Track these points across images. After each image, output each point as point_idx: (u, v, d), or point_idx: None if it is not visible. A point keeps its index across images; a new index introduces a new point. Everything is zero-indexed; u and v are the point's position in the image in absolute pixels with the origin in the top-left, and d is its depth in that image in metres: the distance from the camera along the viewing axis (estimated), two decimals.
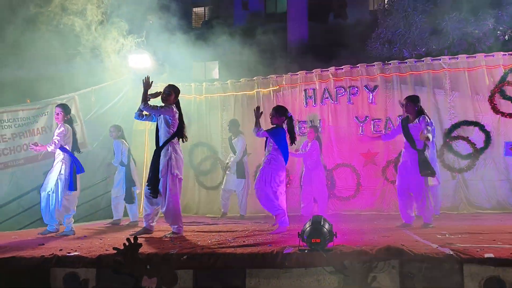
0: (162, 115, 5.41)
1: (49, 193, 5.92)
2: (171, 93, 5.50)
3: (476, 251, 3.58)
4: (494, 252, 3.49)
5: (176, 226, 5.44)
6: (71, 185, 5.95)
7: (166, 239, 5.15)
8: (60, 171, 5.93)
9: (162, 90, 5.54)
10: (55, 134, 6.00)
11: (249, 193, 8.42)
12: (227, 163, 8.44)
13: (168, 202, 5.36)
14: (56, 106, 6.16)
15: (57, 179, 5.91)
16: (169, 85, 5.61)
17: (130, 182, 7.47)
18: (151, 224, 5.55)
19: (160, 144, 5.39)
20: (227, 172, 8.38)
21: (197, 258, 3.90)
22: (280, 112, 5.81)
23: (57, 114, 6.05)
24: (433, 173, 5.78)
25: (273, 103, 9.19)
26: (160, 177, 5.34)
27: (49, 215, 5.95)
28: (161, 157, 5.36)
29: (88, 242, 5.03)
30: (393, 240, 4.34)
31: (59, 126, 6.04)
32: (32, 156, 8.33)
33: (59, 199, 5.89)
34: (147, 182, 5.46)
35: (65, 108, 6.11)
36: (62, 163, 5.97)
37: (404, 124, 5.85)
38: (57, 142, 5.91)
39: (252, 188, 8.12)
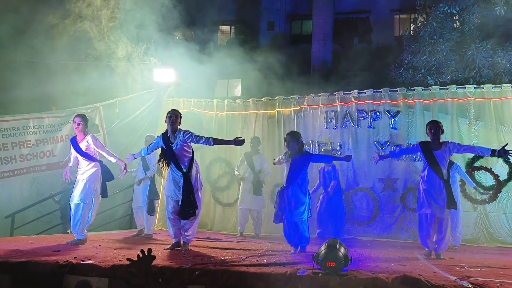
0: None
1: (80, 203, 5.97)
2: (179, 117, 5.62)
3: (497, 286, 3.47)
4: None
5: (193, 237, 5.65)
6: (104, 192, 6.20)
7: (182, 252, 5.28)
8: (95, 183, 6.06)
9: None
10: (99, 147, 6.09)
11: (264, 212, 8.37)
12: (239, 175, 8.30)
13: (198, 216, 5.58)
14: (76, 117, 6.15)
15: (90, 191, 6.01)
16: (176, 110, 5.71)
17: (154, 195, 7.53)
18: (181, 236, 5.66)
19: (184, 168, 5.46)
20: (241, 190, 8.30)
21: (210, 274, 3.88)
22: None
23: (78, 124, 6.08)
24: (455, 207, 5.64)
25: (294, 123, 9.21)
26: (193, 197, 5.46)
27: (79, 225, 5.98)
28: (192, 180, 5.50)
29: (103, 252, 5.06)
30: (410, 269, 4.24)
31: (91, 138, 6.09)
32: (54, 163, 8.51)
33: (92, 208, 6.04)
34: (184, 205, 5.41)
35: (84, 118, 6.17)
36: (96, 174, 6.09)
37: (427, 151, 5.65)
38: (110, 151, 6.21)
39: (268, 207, 8.10)
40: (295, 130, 9.07)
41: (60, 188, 8.53)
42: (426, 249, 5.71)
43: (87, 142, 6.08)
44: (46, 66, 9.67)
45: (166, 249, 5.44)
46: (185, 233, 5.56)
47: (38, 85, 9.54)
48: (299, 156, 5.62)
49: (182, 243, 5.59)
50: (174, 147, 5.49)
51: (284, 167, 5.78)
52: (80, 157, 6.08)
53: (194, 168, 5.57)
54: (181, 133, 5.49)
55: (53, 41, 9.08)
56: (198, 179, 5.62)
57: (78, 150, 6.07)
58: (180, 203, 5.42)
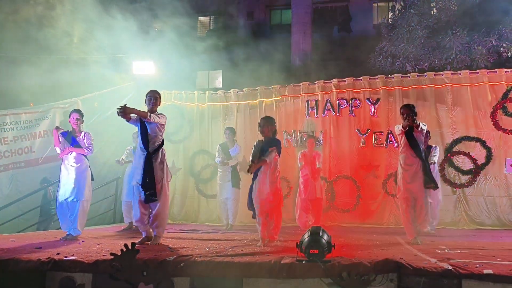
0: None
1: (74, 200, 5.92)
2: (159, 98, 5.52)
3: (475, 267, 3.56)
4: (493, 269, 3.47)
5: (162, 230, 5.47)
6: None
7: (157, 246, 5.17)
8: (89, 178, 6.04)
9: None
10: (87, 141, 6.01)
11: (242, 201, 8.36)
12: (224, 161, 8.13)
13: (163, 207, 5.41)
14: (74, 112, 6.10)
15: (88, 186, 6.00)
16: (155, 91, 5.57)
17: None
18: (150, 230, 5.52)
19: (150, 148, 5.34)
20: (219, 182, 8.25)
21: (194, 266, 3.88)
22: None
23: (77, 119, 6.03)
24: (436, 186, 5.74)
25: (276, 113, 9.22)
26: (156, 182, 5.32)
27: (70, 222, 5.92)
28: (155, 162, 5.35)
29: (86, 247, 5.02)
30: (392, 253, 4.32)
31: (86, 134, 6.06)
32: (33, 159, 8.37)
33: (85, 205, 6.02)
34: (143, 187, 5.30)
35: (82, 114, 6.15)
36: (88, 169, 6.06)
37: (408, 132, 5.65)
38: (92, 148, 6.07)
39: (243, 197, 8.00)
40: (277, 120, 9.11)
41: (39, 185, 8.38)
42: (410, 237, 5.64)
43: (83, 137, 6.04)
44: (17, 59, 9.45)
45: (137, 244, 5.29)
46: (152, 225, 5.39)
47: (11, 80, 9.31)
48: (270, 140, 5.53)
49: (152, 236, 5.45)
50: (148, 124, 5.34)
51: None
52: (74, 152, 5.99)
53: (160, 155, 5.40)
54: (157, 114, 5.39)
55: (26, 33, 8.88)
56: (165, 168, 5.44)
57: (76, 145, 5.99)
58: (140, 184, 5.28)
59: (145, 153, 5.34)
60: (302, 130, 9.06)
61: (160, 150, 5.44)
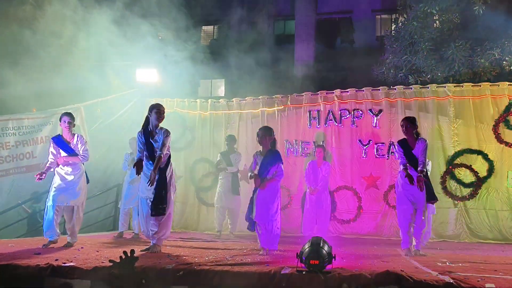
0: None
1: (74, 205, 5.88)
2: (163, 114, 5.52)
3: (477, 280, 3.52)
4: (495, 283, 3.44)
5: (164, 238, 5.50)
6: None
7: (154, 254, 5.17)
8: (84, 183, 5.98)
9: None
10: (81, 147, 5.92)
11: (242, 210, 8.35)
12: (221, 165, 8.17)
13: (168, 217, 5.45)
14: (65, 115, 5.92)
15: (82, 191, 5.93)
16: (160, 104, 5.60)
17: None
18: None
19: (161, 165, 5.36)
20: (219, 189, 8.25)
21: (193, 274, 3.86)
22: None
23: (69, 123, 5.87)
24: (434, 200, 5.71)
25: (278, 122, 9.24)
26: (165, 194, 5.37)
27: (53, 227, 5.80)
28: (167, 177, 5.42)
29: (85, 254, 5.00)
30: (393, 265, 4.29)
31: (79, 138, 5.97)
32: (34, 165, 8.36)
33: (81, 210, 5.98)
34: (156, 201, 5.30)
35: (73, 117, 5.99)
36: (83, 174, 6.00)
37: (406, 148, 5.64)
38: (87, 155, 5.99)
39: (243, 206, 8.00)
40: (279, 129, 9.15)
41: (29, 194, 8.34)
42: (403, 247, 5.63)
43: (76, 141, 5.93)
44: (23, 65, 9.48)
45: (142, 251, 5.31)
46: (156, 235, 5.39)
47: (15, 85, 9.34)
48: (271, 153, 5.59)
49: (151, 244, 5.44)
50: (155, 144, 5.37)
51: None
52: (66, 157, 5.88)
53: (170, 168, 5.49)
54: (162, 132, 5.39)
55: (27, 38, 8.93)
56: (172, 180, 5.52)
57: (67, 149, 5.87)
58: (152, 200, 5.31)
59: (153, 167, 5.27)
60: (304, 140, 9.05)
61: (169, 165, 5.49)
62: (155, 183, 5.24)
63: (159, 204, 5.29)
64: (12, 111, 9.01)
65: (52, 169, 5.90)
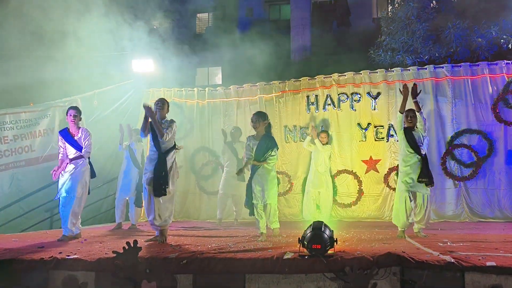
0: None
1: (67, 196, 5.87)
2: (166, 105, 5.67)
3: (478, 259, 3.55)
4: (496, 261, 3.47)
5: (167, 223, 5.50)
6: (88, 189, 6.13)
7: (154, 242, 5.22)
8: (85, 176, 5.97)
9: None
10: (85, 141, 5.94)
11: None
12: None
13: (169, 203, 5.51)
14: (71, 109, 5.99)
15: (81, 184, 5.92)
16: (162, 99, 5.76)
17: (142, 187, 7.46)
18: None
19: (162, 150, 5.44)
20: (224, 175, 8.24)
21: (197, 262, 3.88)
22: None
23: (74, 116, 5.92)
24: (431, 183, 5.73)
25: (276, 108, 9.21)
26: (166, 174, 5.40)
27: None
28: (167, 161, 5.46)
29: (88, 246, 5.02)
30: (394, 247, 4.32)
31: (84, 131, 5.99)
32: (33, 158, 8.37)
33: (80, 203, 5.97)
34: (156, 181, 5.35)
35: (79, 111, 6.05)
36: (86, 168, 6.01)
37: (408, 132, 5.74)
38: (89, 150, 6.01)
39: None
40: (278, 115, 9.14)
41: (45, 182, 8.31)
42: (400, 227, 5.68)
43: (81, 134, 5.97)
44: (17, 57, 9.41)
45: (146, 241, 5.34)
46: (158, 219, 5.41)
47: (9, 78, 9.27)
48: (267, 138, 5.65)
49: (156, 234, 5.48)
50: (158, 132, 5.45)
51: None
52: (72, 150, 5.91)
53: (172, 155, 5.55)
54: (167, 123, 5.52)
55: (23, 28, 8.84)
56: (174, 166, 5.56)
57: (73, 143, 5.91)
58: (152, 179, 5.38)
59: (157, 153, 5.43)
60: (305, 125, 9.03)
61: (172, 152, 5.57)
62: (154, 164, 5.34)
63: (161, 185, 5.34)
64: (8, 106, 8.95)
65: (66, 163, 5.91)
